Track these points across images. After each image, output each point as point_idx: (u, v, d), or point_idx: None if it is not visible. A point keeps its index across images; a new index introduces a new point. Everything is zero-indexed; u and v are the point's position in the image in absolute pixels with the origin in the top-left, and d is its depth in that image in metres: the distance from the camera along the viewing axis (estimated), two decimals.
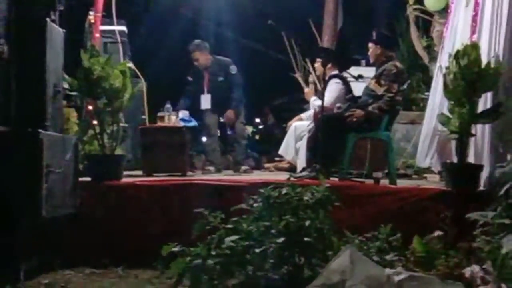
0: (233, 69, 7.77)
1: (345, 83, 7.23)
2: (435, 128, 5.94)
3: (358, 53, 9.02)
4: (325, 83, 6.25)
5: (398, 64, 6.02)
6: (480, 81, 4.80)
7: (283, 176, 5.28)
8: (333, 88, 6.97)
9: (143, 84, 6.97)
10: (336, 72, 7.06)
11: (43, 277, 4.30)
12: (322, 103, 5.74)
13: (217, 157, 7.59)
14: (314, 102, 7.43)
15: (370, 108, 5.76)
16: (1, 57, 3.84)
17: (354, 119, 5.69)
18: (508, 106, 4.89)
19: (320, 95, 7.38)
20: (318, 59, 7.54)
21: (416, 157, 6.63)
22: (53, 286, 4.16)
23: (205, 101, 7.64)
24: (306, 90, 8.32)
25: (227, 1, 11.16)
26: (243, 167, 7.45)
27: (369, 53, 6.34)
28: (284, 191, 3.73)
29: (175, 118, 6.85)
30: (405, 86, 5.96)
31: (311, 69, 9.15)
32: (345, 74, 7.36)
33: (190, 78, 7.86)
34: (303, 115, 7.70)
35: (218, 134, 7.80)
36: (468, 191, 4.82)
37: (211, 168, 7.40)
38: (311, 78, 8.66)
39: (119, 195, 4.91)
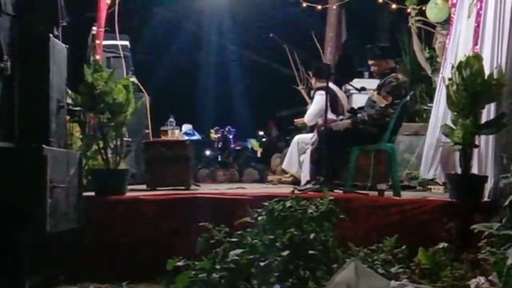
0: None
1: (330, 95, 7.29)
2: (438, 139, 5.94)
3: (361, 65, 9.06)
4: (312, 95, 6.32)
5: (400, 76, 5.98)
6: (483, 92, 4.81)
7: (287, 190, 5.28)
8: (317, 100, 7.27)
9: (146, 98, 6.98)
10: (322, 85, 7.13)
11: None
12: (325, 116, 5.73)
13: None
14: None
15: (360, 115, 5.81)
16: (4, 73, 3.85)
17: (341, 129, 5.72)
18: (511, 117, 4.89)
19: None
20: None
21: (420, 168, 6.63)
22: None
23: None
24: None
25: (230, 15, 11.21)
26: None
27: (372, 71, 6.31)
28: (288, 204, 3.73)
29: (179, 132, 6.87)
30: (407, 98, 5.94)
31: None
32: (348, 86, 7.36)
33: None
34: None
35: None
36: (472, 202, 4.81)
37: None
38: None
39: (123, 209, 4.91)
